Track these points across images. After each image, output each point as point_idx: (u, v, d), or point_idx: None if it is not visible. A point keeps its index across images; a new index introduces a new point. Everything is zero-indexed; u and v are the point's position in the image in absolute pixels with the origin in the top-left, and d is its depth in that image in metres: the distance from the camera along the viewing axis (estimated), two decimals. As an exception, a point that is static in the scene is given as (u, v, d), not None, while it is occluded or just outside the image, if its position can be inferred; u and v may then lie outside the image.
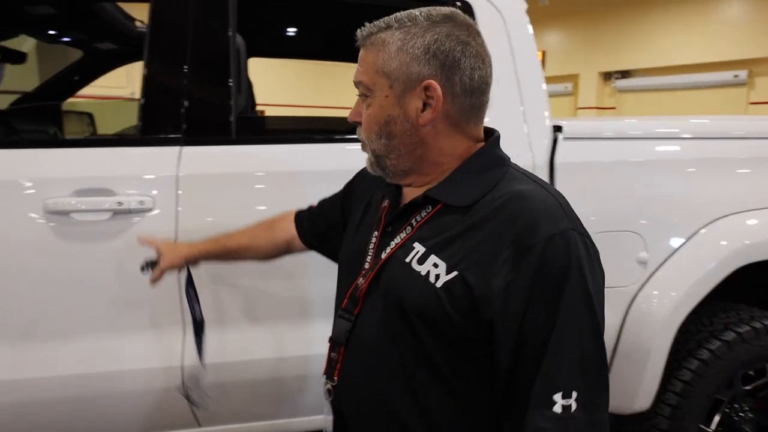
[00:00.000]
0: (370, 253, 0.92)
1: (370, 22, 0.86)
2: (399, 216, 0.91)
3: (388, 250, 0.88)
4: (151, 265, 1.23)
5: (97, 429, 1.48)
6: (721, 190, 1.64)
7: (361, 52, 0.86)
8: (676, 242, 1.60)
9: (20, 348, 1.37)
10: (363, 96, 0.87)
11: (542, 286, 0.76)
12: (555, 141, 1.63)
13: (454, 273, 0.79)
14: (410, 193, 0.92)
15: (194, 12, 1.46)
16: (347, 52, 1.94)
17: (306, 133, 1.68)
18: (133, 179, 1.39)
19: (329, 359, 0.94)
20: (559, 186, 1.59)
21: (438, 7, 0.84)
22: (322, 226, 1.20)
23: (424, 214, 0.87)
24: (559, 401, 0.74)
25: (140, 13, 2.07)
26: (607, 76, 12.15)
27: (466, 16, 0.85)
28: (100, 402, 1.43)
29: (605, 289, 0.83)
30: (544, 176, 1.60)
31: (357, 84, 0.87)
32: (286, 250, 1.27)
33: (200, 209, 1.43)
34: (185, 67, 1.45)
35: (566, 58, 12.43)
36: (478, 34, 0.85)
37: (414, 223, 0.88)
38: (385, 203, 0.97)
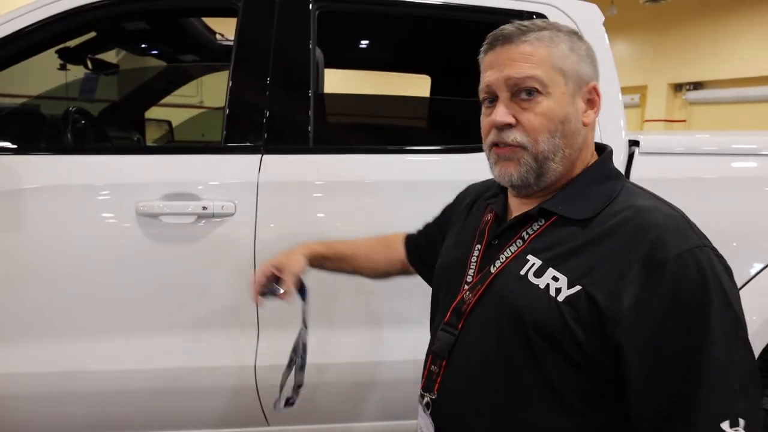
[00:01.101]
0: (472, 267, 0.90)
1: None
2: (507, 229, 0.88)
3: (498, 263, 0.85)
4: (275, 282, 1.12)
5: (174, 420, 1.56)
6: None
7: (523, 47, 0.81)
8: (755, 265, 1.51)
9: (119, 341, 1.47)
10: (527, 91, 0.81)
11: (680, 305, 0.71)
12: (631, 156, 1.60)
13: (577, 287, 0.75)
14: (518, 206, 0.90)
15: (278, 26, 1.54)
16: (415, 64, 1.97)
17: (377, 143, 1.71)
18: (217, 185, 1.47)
19: (428, 372, 0.91)
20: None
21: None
22: (427, 251, 1.17)
23: (536, 227, 0.84)
24: (727, 430, 0.69)
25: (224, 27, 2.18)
26: (678, 87, 11.68)
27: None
28: (179, 395, 1.51)
29: None
30: (620, 191, 1.56)
31: (524, 79, 0.81)
32: (400, 270, 1.24)
33: (278, 215, 1.48)
34: (268, 79, 1.52)
35: (634, 68, 12.04)
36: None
37: (525, 236, 0.84)
38: (489, 216, 0.95)
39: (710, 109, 10.65)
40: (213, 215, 1.44)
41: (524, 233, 0.85)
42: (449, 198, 1.52)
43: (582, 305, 0.74)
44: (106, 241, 1.44)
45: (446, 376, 0.88)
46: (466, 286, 0.89)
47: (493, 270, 0.85)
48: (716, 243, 1.49)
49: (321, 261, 1.19)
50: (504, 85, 0.82)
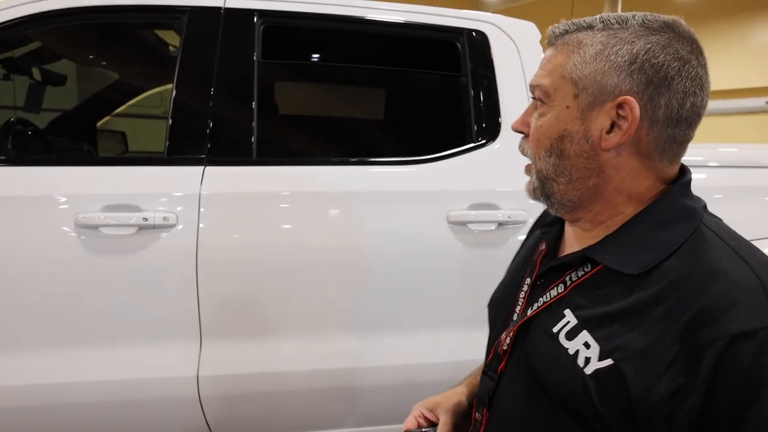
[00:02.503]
0: (519, 303, 0.80)
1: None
2: (552, 269, 0.76)
3: (535, 307, 0.75)
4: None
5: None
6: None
7: (549, 52, 0.73)
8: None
9: (58, 354, 1.45)
10: (537, 102, 0.73)
11: (721, 399, 0.57)
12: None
13: (608, 361, 0.63)
14: (572, 237, 0.78)
15: (222, 40, 1.56)
16: (367, 78, 2.01)
17: (324, 155, 1.74)
18: (159, 196, 1.47)
19: (474, 421, 0.83)
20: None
21: (657, 14, 0.69)
22: None
23: (581, 273, 0.72)
24: None
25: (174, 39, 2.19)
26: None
27: (691, 30, 0.69)
28: (121, 408, 1.49)
29: None
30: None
31: (534, 87, 0.73)
32: None
33: (220, 226, 1.49)
34: (211, 91, 1.54)
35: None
36: (701, 52, 0.68)
37: (568, 282, 0.72)
38: (543, 246, 0.83)
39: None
40: (154, 226, 1.44)
41: (567, 278, 0.73)
42: (397, 208, 1.57)
43: (611, 382, 0.63)
44: (44, 252, 1.42)
45: (489, 427, 0.80)
46: (510, 325, 0.80)
47: (529, 312, 0.76)
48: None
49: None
50: (531, 89, 0.75)
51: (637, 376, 0.61)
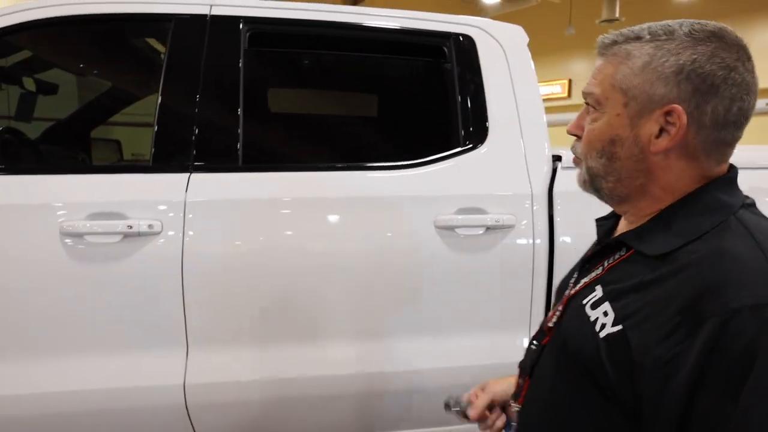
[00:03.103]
0: (569, 286, 0.88)
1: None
2: (597, 254, 0.84)
3: (577, 287, 0.83)
4: (458, 405, 1.04)
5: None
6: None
7: (599, 62, 0.78)
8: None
9: (43, 363, 1.44)
10: (590, 108, 0.79)
11: (717, 368, 0.60)
12: (554, 170, 1.66)
13: (619, 327, 0.69)
14: (622, 227, 0.85)
15: (208, 46, 1.56)
16: (358, 83, 2.01)
17: (312, 161, 1.73)
18: (144, 204, 1.47)
19: (518, 384, 0.92)
20: (558, 214, 1.61)
21: (704, 22, 0.72)
22: None
23: (617, 256, 0.79)
24: None
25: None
26: (635, 104, 12.03)
27: (738, 36, 0.72)
28: (108, 417, 1.49)
29: None
30: (542, 205, 1.62)
31: (586, 95, 0.79)
32: None
33: (206, 234, 1.49)
34: (197, 98, 1.54)
35: (593, 86, 12.37)
36: (748, 58, 0.72)
37: (605, 264, 0.80)
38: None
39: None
40: (139, 234, 1.44)
41: (606, 261, 0.81)
42: (384, 213, 1.56)
43: (618, 347, 0.68)
44: (28, 261, 1.42)
45: (528, 392, 0.88)
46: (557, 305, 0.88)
47: (571, 292, 0.84)
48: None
49: None
50: (583, 96, 0.81)
51: (640, 341, 0.66)
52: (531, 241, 1.60)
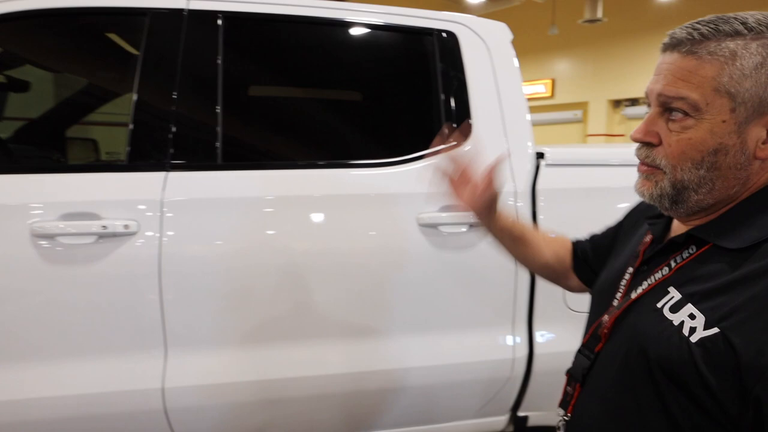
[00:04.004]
0: (621, 290, 0.83)
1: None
2: (658, 254, 0.80)
3: (639, 290, 0.78)
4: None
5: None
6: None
7: (686, 61, 0.70)
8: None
9: (15, 368, 1.40)
10: (679, 113, 0.71)
11: None
12: (537, 168, 1.65)
13: (715, 330, 0.65)
14: (679, 228, 0.80)
15: (185, 42, 1.52)
16: (339, 81, 1.98)
17: (292, 159, 1.70)
18: (119, 204, 1.43)
19: (565, 392, 0.89)
20: (541, 211, 1.60)
21: None
22: (595, 261, 1.06)
23: (686, 254, 0.75)
24: None
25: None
26: (617, 103, 12.18)
27: None
28: (83, 424, 1.44)
29: None
30: (527, 202, 1.61)
31: (673, 99, 0.71)
32: (561, 273, 1.13)
33: (184, 233, 1.45)
34: (174, 95, 1.50)
35: (576, 86, 12.50)
36: None
37: (673, 264, 0.76)
38: (647, 238, 0.86)
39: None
40: (114, 235, 1.40)
41: (672, 261, 0.76)
42: (366, 211, 1.54)
43: (717, 350, 0.64)
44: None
45: (579, 400, 0.84)
46: (609, 309, 0.84)
47: (632, 296, 0.79)
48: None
49: (505, 225, 1.11)
50: (655, 99, 0.74)
51: (745, 341, 0.62)
52: (515, 238, 1.59)
